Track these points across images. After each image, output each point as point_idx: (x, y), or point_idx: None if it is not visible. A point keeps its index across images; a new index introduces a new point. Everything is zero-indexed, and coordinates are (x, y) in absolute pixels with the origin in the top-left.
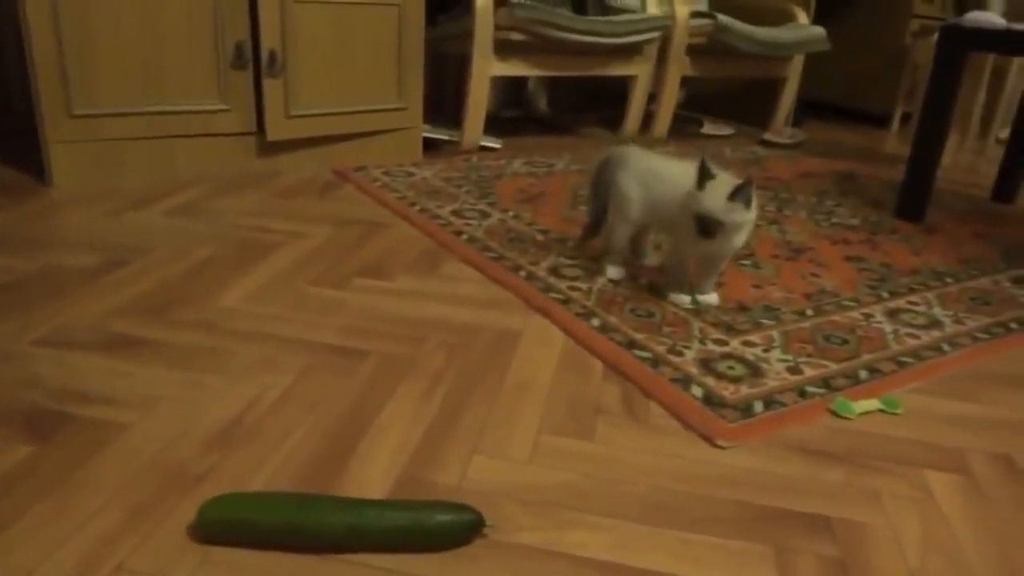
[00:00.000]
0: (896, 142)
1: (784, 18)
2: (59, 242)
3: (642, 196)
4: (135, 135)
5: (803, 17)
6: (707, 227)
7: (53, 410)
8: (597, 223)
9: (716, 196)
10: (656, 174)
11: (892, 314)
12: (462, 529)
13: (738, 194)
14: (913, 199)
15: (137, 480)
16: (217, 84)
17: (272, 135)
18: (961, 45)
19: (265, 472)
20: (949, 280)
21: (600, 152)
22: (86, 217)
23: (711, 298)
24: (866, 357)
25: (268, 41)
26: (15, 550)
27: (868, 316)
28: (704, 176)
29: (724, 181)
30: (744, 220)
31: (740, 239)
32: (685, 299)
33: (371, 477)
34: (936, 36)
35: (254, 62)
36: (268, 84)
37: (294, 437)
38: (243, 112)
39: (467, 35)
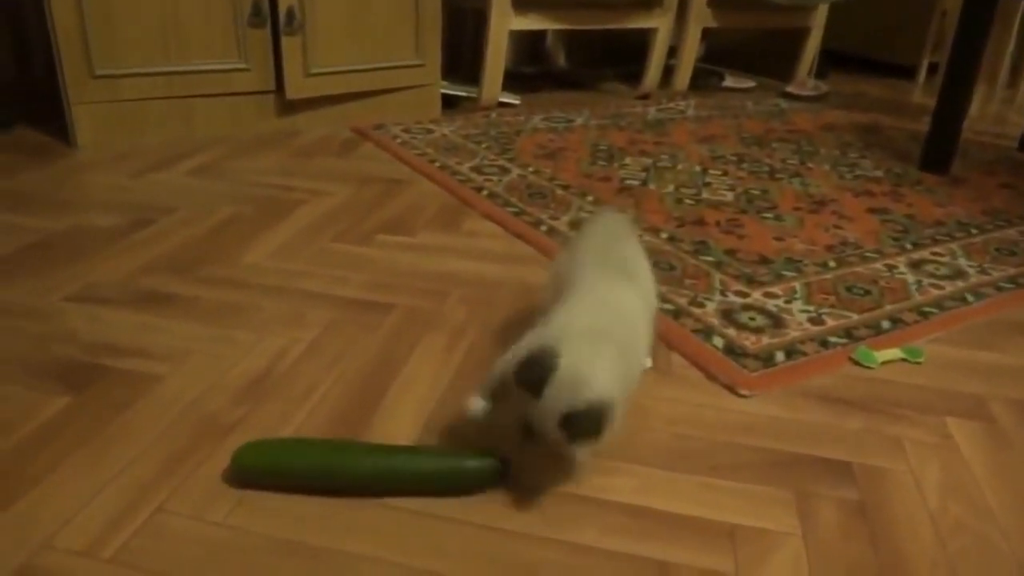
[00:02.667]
0: (922, 93)
1: None
2: (86, 202)
3: None
4: (155, 95)
5: None
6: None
7: (88, 363)
8: None
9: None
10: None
11: (916, 265)
12: (488, 473)
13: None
14: (938, 150)
15: (171, 429)
16: (236, 42)
17: (291, 93)
18: None
19: (294, 423)
20: (974, 231)
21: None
22: (110, 177)
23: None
24: (889, 307)
25: None
26: (57, 494)
27: (891, 267)
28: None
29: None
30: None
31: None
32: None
33: (397, 427)
34: None
35: (272, 20)
36: (286, 42)
37: (321, 389)
38: (262, 71)
39: None
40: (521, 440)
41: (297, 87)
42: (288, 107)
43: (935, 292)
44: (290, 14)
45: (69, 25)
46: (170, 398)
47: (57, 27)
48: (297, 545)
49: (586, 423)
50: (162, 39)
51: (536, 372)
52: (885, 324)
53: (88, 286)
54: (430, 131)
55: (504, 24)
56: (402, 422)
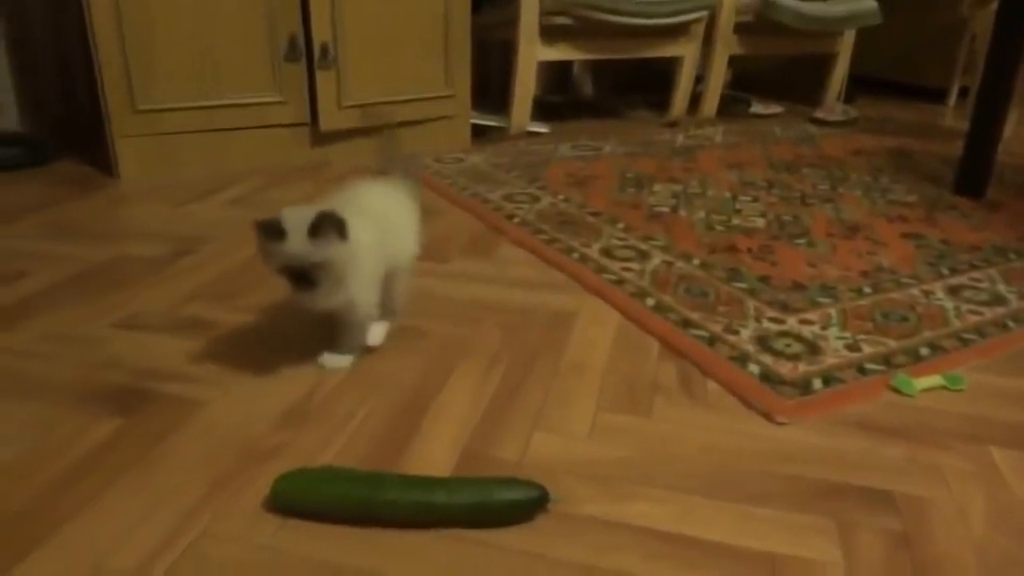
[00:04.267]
0: (953, 117)
1: None
2: (128, 232)
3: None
4: (194, 128)
5: None
6: (299, 276)
7: (134, 388)
8: None
9: (297, 237)
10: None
11: (953, 291)
12: (528, 506)
13: (321, 228)
14: (973, 174)
15: (214, 454)
16: (272, 77)
17: (325, 125)
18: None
19: (333, 449)
20: (1012, 256)
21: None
22: (152, 208)
23: (335, 360)
24: (927, 334)
25: (320, 34)
26: (106, 517)
27: (928, 293)
28: (274, 228)
29: (297, 217)
30: (337, 255)
31: (349, 284)
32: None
33: (435, 453)
34: (996, 4)
35: (307, 55)
36: (320, 76)
37: (359, 415)
38: (297, 104)
39: (513, 21)
40: (293, 291)
41: (331, 119)
42: (321, 139)
43: (974, 318)
44: (324, 49)
45: (113, 62)
46: (213, 423)
47: (102, 64)
48: (338, 567)
49: (327, 222)
50: (200, 75)
51: (278, 220)
52: (924, 351)
53: (133, 313)
54: (460, 160)
55: (532, 55)
56: (439, 447)
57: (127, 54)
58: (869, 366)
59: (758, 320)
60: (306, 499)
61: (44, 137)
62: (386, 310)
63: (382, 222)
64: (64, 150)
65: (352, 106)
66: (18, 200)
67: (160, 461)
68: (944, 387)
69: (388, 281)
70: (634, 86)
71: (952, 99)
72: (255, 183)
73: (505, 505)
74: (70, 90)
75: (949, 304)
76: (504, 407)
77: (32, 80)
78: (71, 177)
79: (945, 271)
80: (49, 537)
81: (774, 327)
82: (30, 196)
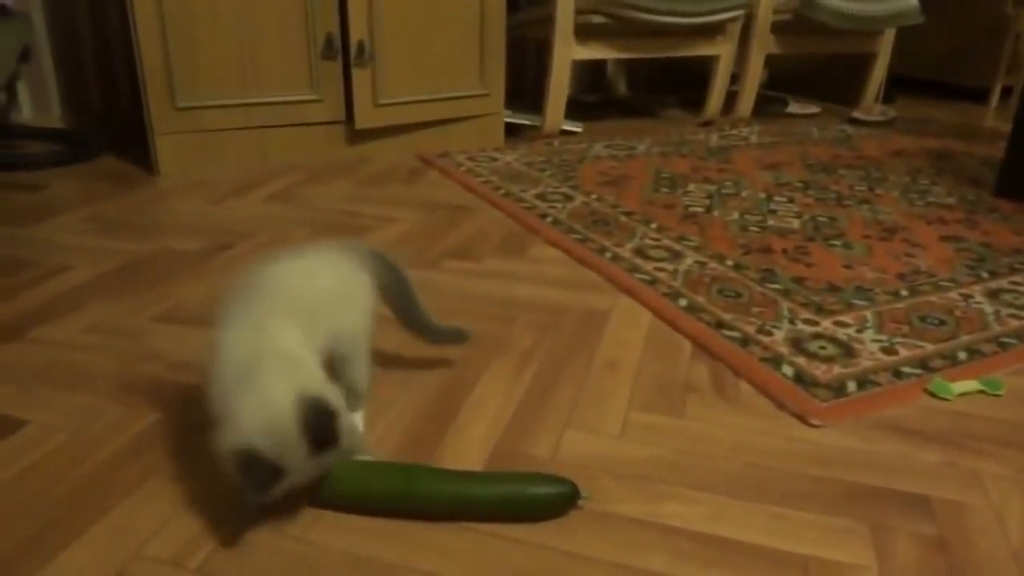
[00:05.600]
0: (995, 118)
1: None
2: (169, 227)
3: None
4: (233, 126)
5: None
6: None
7: (174, 381)
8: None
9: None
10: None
11: (993, 294)
12: (559, 501)
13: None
14: (1015, 176)
15: None
16: (309, 75)
17: (361, 123)
18: None
19: (369, 440)
20: None
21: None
22: (191, 204)
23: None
24: (965, 338)
25: (357, 32)
26: (146, 506)
27: (967, 296)
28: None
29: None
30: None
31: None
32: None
33: (467, 450)
34: None
35: (343, 53)
36: (357, 74)
37: (393, 410)
38: (333, 102)
39: (548, 20)
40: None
41: (366, 117)
42: (357, 136)
43: (1015, 323)
44: (361, 47)
45: (155, 61)
46: None
47: (144, 62)
48: (371, 561)
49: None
50: (240, 73)
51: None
52: (962, 355)
53: (173, 307)
54: (494, 159)
55: (567, 54)
56: (472, 444)
57: (169, 53)
58: (905, 369)
59: (792, 322)
60: (340, 491)
61: (87, 134)
62: (349, 396)
63: (302, 304)
64: (106, 146)
65: (387, 104)
66: (63, 195)
67: (199, 452)
68: (982, 392)
69: (338, 367)
70: (668, 85)
71: (995, 100)
72: (292, 179)
73: (536, 499)
74: (112, 88)
75: (988, 308)
76: (536, 405)
77: (76, 78)
78: (113, 173)
79: (985, 274)
80: (92, 524)
81: (808, 329)
82: (74, 192)
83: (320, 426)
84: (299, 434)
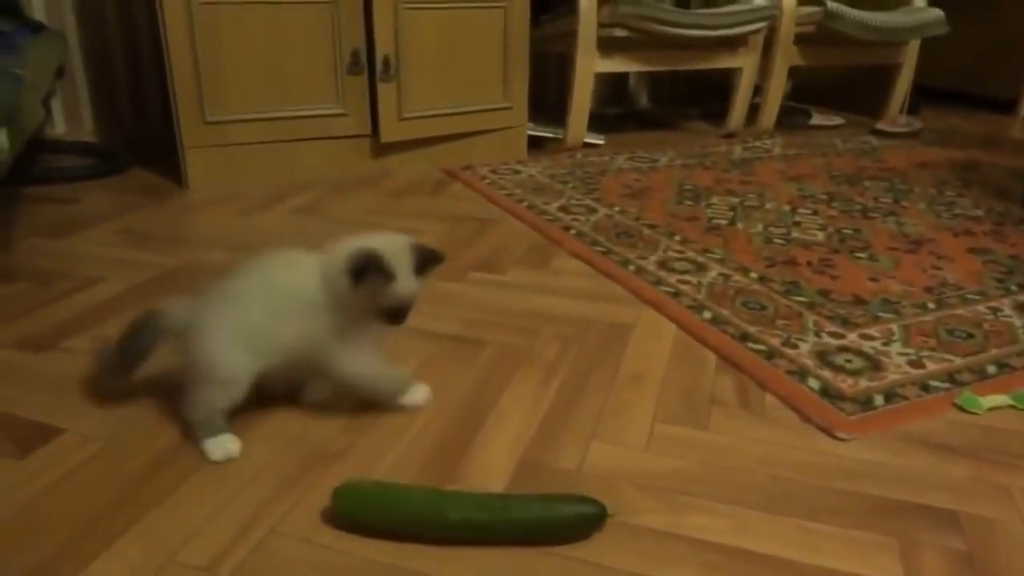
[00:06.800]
0: (1022, 128)
1: (898, 1)
2: (198, 239)
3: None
4: (261, 139)
5: None
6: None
7: None
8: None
9: (407, 277)
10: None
11: (1022, 307)
12: (588, 522)
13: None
14: None
15: (282, 455)
16: (335, 89)
17: (386, 137)
18: None
19: (394, 453)
20: None
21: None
22: (220, 216)
23: (418, 396)
24: (994, 352)
25: (382, 48)
26: (179, 513)
27: (995, 310)
28: (378, 268)
29: (396, 249)
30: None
31: None
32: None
33: (492, 462)
34: None
35: (369, 68)
36: (382, 88)
37: (420, 420)
38: (359, 115)
39: (571, 34)
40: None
41: (391, 131)
42: (382, 149)
43: None
44: (386, 62)
45: (185, 76)
46: (281, 425)
47: (175, 78)
48: (400, 570)
49: (433, 259)
50: (267, 88)
51: (380, 259)
52: (991, 369)
53: None
54: (517, 171)
55: (589, 67)
56: (497, 456)
57: (199, 68)
58: (933, 383)
59: (818, 335)
60: (367, 518)
61: (118, 148)
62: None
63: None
64: (136, 160)
65: (411, 117)
66: (95, 208)
67: (231, 461)
68: (1012, 406)
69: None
70: (691, 97)
71: (1022, 110)
72: (318, 192)
73: (564, 522)
74: (143, 103)
75: (1017, 321)
76: (562, 417)
77: (108, 93)
78: (143, 186)
79: (1013, 287)
80: (127, 531)
81: (834, 342)
82: (105, 205)
83: (426, 252)
84: (411, 252)
